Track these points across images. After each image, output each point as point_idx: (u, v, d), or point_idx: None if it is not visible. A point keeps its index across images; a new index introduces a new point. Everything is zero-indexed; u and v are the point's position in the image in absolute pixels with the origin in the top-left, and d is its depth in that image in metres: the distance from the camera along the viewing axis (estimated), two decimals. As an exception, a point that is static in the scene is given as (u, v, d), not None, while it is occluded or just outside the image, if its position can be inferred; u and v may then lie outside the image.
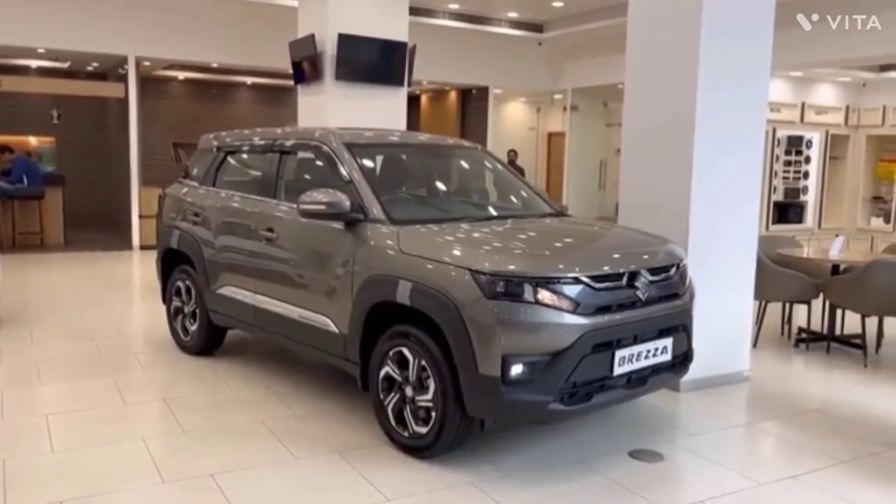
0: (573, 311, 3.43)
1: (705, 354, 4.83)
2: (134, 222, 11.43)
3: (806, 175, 12.29)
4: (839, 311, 6.29)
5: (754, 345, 6.14)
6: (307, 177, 4.81)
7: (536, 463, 3.72)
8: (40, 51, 11.38)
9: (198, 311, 5.33)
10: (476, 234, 3.92)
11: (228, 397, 4.61)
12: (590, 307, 3.48)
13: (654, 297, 3.77)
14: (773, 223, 11.80)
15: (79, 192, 13.20)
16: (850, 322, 6.42)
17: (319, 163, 4.56)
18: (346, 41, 7.59)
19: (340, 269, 4.08)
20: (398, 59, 8.07)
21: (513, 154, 13.67)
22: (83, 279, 8.89)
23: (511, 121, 15.81)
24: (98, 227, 13.28)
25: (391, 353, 3.78)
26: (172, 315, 5.66)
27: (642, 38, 5.11)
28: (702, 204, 4.85)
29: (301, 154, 4.81)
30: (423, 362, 3.60)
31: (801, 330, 6.46)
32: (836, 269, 6.26)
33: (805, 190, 12.29)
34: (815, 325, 6.41)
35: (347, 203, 4.01)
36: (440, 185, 5.13)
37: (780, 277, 6.06)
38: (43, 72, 13.74)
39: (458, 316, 3.41)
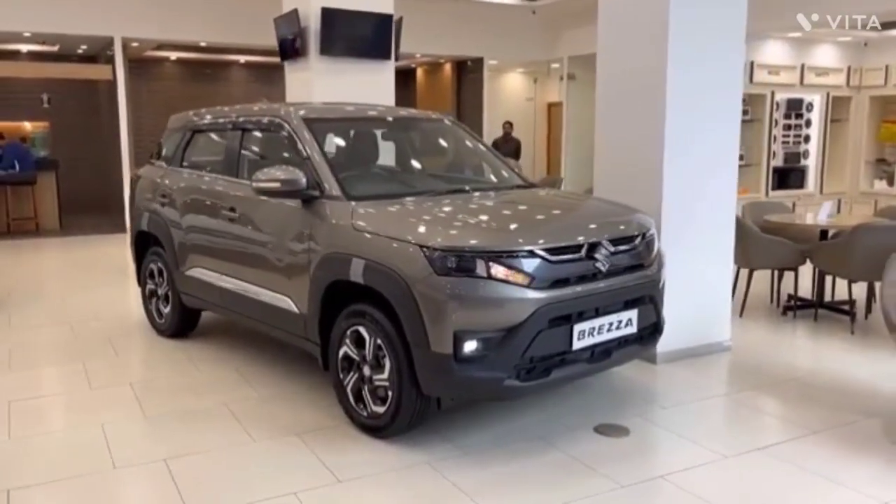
0: (527, 286, 3.33)
1: (684, 325, 4.75)
2: (126, 205, 11.36)
3: (807, 139, 11.98)
4: (829, 278, 6.15)
5: (741, 314, 6.03)
6: (268, 154, 4.71)
7: (498, 440, 3.65)
8: (26, 34, 11.28)
9: (170, 293, 5.28)
10: (433, 209, 3.81)
11: (196, 380, 4.56)
12: (545, 281, 3.38)
13: (616, 269, 3.67)
14: (773, 189, 11.53)
15: (75, 177, 13.20)
16: (841, 288, 6.28)
17: (279, 139, 4.46)
18: (329, 15, 7.42)
19: (298, 247, 4.00)
20: (384, 32, 7.88)
21: (508, 126, 13.43)
22: (74, 264, 8.88)
23: (508, 92, 15.56)
24: (95, 210, 13.25)
25: (349, 333, 3.71)
26: (147, 298, 5.62)
27: (613, 7, 4.95)
28: (676, 173, 4.70)
29: (262, 131, 4.71)
30: (379, 341, 3.52)
31: (789, 297, 6.33)
32: (824, 234, 6.12)
33: (806, 154, 12.00)
34: (805, 293, 6.28)
35: (304, 180, 3.91)
36: (405, 159, 5.01)
37: (765, 244, 5.92)
38: (33, 56, 13.65)
39: (408, 293, 3.33)
